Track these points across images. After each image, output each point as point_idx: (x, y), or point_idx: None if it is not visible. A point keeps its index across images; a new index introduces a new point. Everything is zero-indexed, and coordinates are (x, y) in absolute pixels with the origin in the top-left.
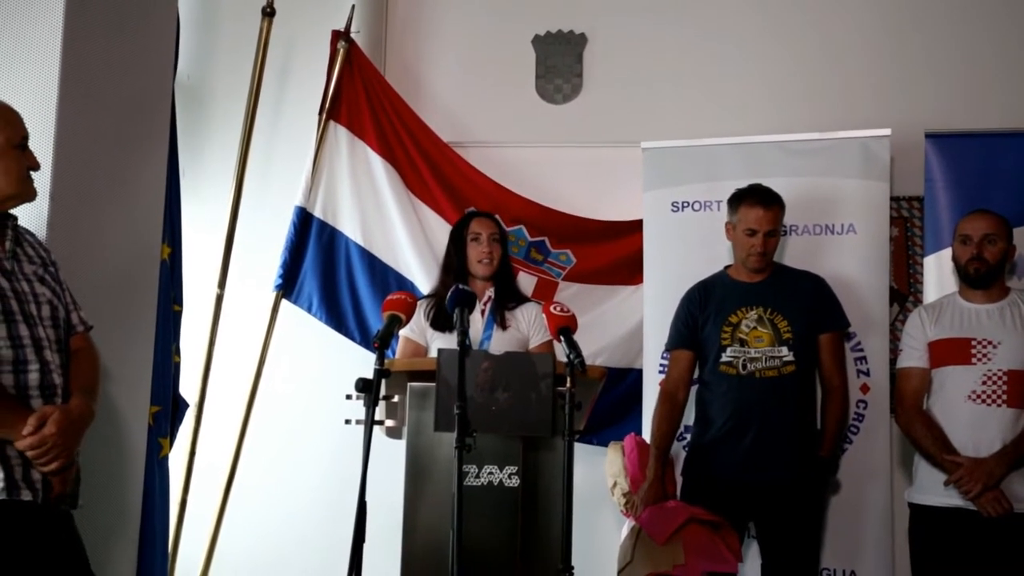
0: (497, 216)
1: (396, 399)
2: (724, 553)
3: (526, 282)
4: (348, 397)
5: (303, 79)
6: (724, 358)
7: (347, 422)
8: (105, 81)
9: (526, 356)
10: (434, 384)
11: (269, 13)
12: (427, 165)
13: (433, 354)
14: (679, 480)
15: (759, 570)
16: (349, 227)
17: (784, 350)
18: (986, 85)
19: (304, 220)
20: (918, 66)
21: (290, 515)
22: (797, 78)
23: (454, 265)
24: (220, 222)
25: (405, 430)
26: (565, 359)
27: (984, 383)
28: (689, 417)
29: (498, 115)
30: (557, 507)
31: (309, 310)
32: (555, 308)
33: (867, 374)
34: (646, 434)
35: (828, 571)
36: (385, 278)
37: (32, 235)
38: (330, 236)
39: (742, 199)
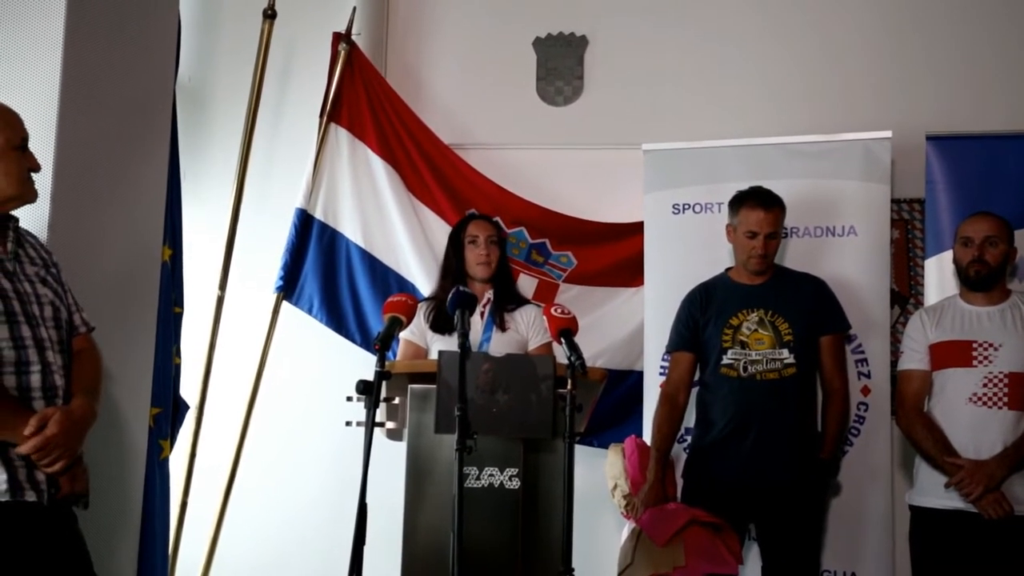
0: (497, 218)
1: (397, 401)
2: (725, 555)
3: (527, 284)
4: (349, 399)
5: (304, 81)
6: (725, 360)
7: (348, 424)
8: (106, 83)
9: (527, 358)
10: (435, 386)
11: (270, 15)
12: (428, 167)
13: (433, 356)
14: (679, 482)
15: (759, 572)
16: (350, 229)
17: (785, 352)
18: (987, 87)
19: (305, 222)
20: (919, 68)
21: (290, 517)
22: (798, 80)
23: (453, 268)
24: (221, 224)
25: (406, 432)
26: (566, 361)
27: (985, 385)
28: (690, 419)
29: (499, 117)
30: (558, 509)
31: (310, 312)
32: (556, 310)
33: (868, 376)
34: (647, 436)
35: (829, 573)
36: (386, 280)
37: (34, 237)
38: (331, 238)
39: (743, 201)
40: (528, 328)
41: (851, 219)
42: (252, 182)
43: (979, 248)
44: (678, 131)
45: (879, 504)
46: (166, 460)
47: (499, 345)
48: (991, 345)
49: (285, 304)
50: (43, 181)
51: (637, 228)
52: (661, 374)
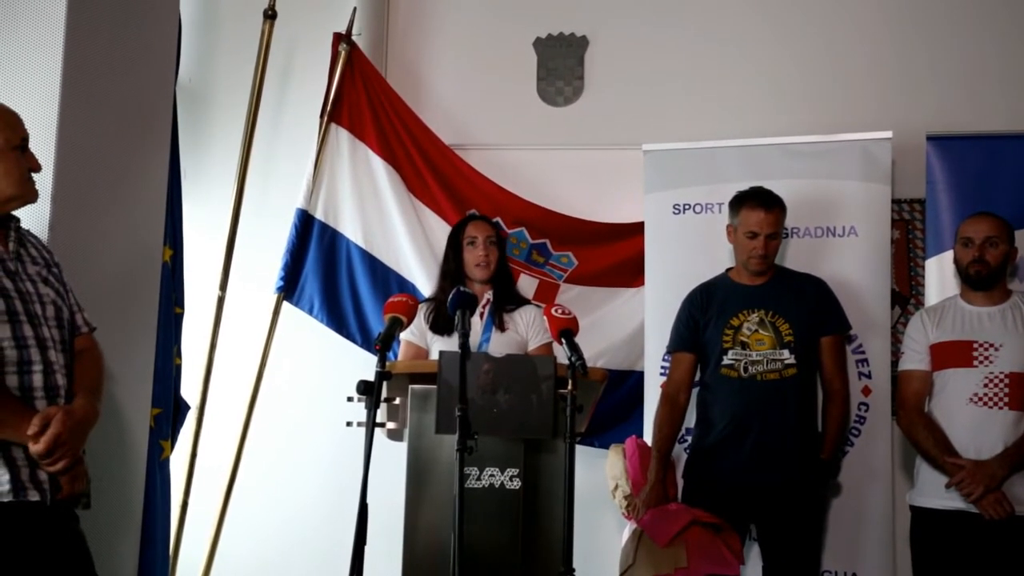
0: (497, 219)
1: (397, 401)
2: (726, 555)
3: (527, 284)
4: (349, 399)
5: (304, 81)
6: (725, 361)
7: (348, 424)
8: (107, 83)
9: (527, 358)
10: (435, 386)
11: (270, 15)
12: (428, 167)
13: (434, 357)
14: (680, 482)
15: (760, 572)
16: (350, 229)
17: (785, 353)
18: (987, 87)
19: (305, 222)
20: (919, 68)
21: (291, 517)
22: (798, 80)
23: (452, 269)
24: (221, 224)
25: (406, 432)
26: (566, 361)
27: (985, 386)
28: (690, 420)
29: (499, 117)
30: (558, 509)
31: (310, 312)
32: (556, 310)
33: (868, 376)
34: (647, 436)
35: (829, 573)
36: (386, 280)
37: (35, 237)
38: (331, 238)
39: (743, 201)
40: (527, 328)
41: (851, 219)
42: (252, 182)
43: (979, 248)
44: (678, 131)
45: (879, 504)
46: (167, 460)
47: (498, 345)
48: (991, 345)
49: (286, 304)
50: (43, 181)
51: (637, 228)
52: (662, 374)
